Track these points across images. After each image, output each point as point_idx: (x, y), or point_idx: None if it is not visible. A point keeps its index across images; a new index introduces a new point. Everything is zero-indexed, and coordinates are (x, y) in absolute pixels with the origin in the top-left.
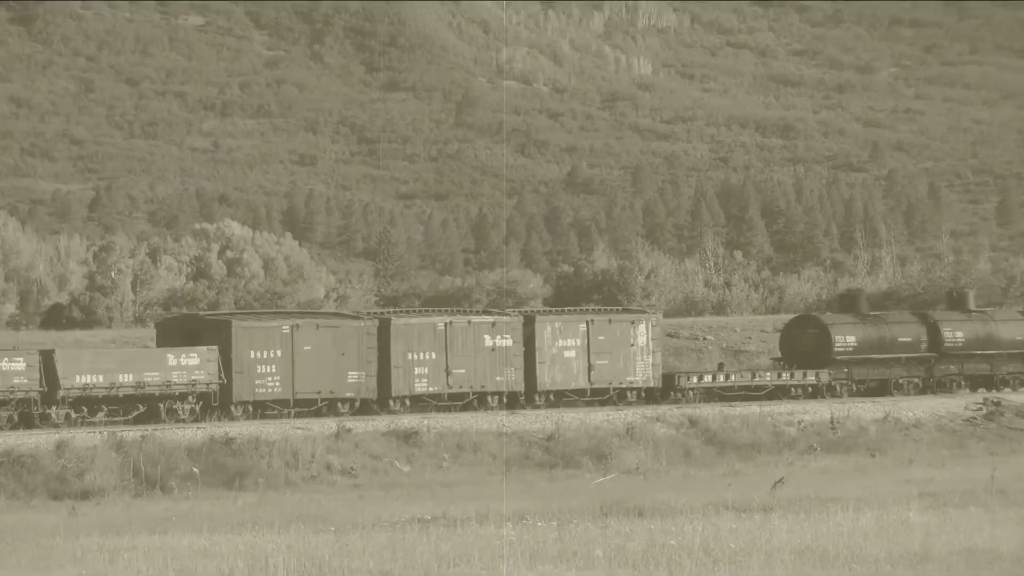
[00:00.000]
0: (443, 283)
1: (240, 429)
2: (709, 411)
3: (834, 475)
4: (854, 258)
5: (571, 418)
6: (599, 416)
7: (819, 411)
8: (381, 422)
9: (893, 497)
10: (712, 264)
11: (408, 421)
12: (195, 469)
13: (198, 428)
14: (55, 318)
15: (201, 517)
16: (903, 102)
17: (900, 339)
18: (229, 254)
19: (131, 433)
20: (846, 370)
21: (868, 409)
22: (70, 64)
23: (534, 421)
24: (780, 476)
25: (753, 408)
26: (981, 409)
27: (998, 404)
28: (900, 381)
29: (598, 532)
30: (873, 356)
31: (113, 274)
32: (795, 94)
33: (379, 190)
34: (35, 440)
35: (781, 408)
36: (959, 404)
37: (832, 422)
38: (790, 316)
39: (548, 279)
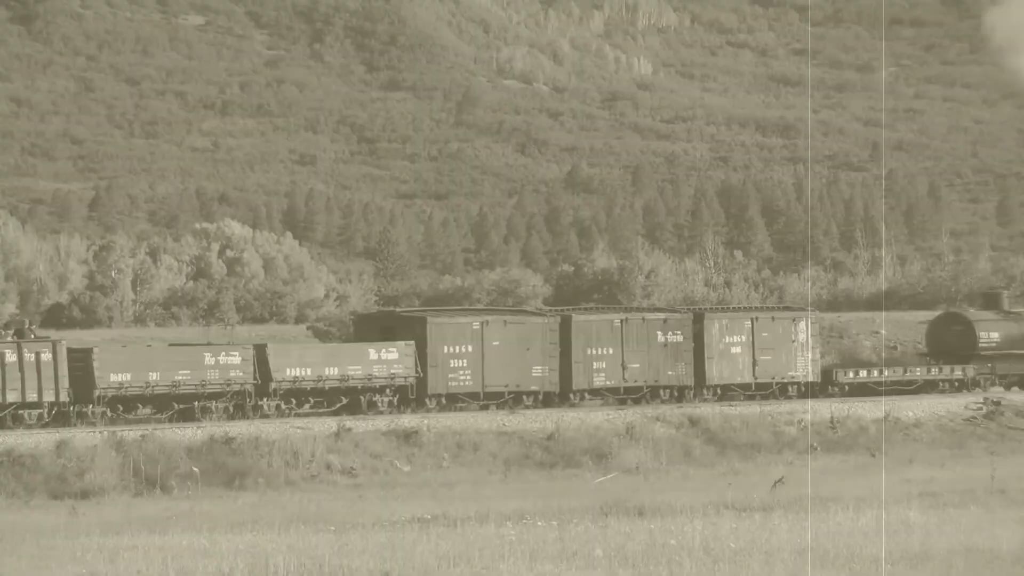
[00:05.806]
0: (443, 283)
1: (240, 429)
2: (709, 411)
3: (834, 475)
4: (854, 258)
5: (571, 418)
6: (599, 416)
7: (819, 411)
8: (381, 421)
9: (893, 497)
10: (712, 264)
11: (408, 420)
12: (195, 469)
13: (198, 428)
14: (55, 318)
15: (201, 517)
16: (903, 102)
17: None
18: (229, 254)
19: (131, 432)
20: (990, 365)
21: (868, 408)
22: (70, 64)
23: (534, 420)
24: (780, 476)
25: (753, 408)
26: (981, 409)
27: (998, 404)
28: None
29: (598, 532)
30: (1015, 351)
31: (113, 274)
32: (795, 94)
33: (379, 190)
34: (35, 439)
35: (781, 408)
36: (959, 404)
37: (832, 422)
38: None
39: (548, 279)
